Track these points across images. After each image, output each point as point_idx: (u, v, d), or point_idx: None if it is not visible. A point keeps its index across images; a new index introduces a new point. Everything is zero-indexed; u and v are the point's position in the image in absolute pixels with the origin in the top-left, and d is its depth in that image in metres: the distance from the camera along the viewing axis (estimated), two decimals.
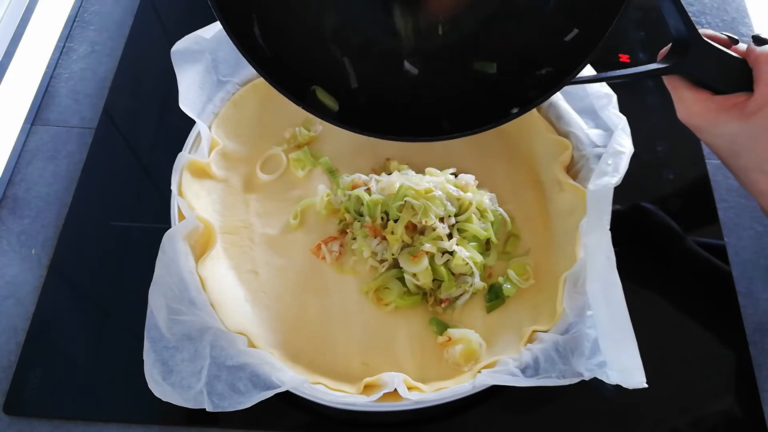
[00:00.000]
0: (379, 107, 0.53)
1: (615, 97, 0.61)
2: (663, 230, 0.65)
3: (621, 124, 0.59)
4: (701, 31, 0.50)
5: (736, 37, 0.52)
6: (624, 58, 0.76)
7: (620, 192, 0.53)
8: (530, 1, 0.52)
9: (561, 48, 0.50)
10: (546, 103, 0.65)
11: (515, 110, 0.50)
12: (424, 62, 0.54)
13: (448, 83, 0.54)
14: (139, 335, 0.50)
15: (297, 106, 0.69)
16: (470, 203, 0.59)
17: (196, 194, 0.61)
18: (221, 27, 0.64)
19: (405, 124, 0.52)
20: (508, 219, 0.61)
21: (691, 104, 0.52)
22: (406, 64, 0.54)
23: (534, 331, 0.54)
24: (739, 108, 0.50)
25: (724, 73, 0.51)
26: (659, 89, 0.74)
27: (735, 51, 0.51)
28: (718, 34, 0.52)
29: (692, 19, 0.50)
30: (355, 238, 0.60)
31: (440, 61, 0.54)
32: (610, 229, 0.50)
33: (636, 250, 0.62)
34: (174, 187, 0.58)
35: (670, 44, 0.52)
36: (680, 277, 0.62)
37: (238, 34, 0.47)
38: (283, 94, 0.50)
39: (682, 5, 0.49)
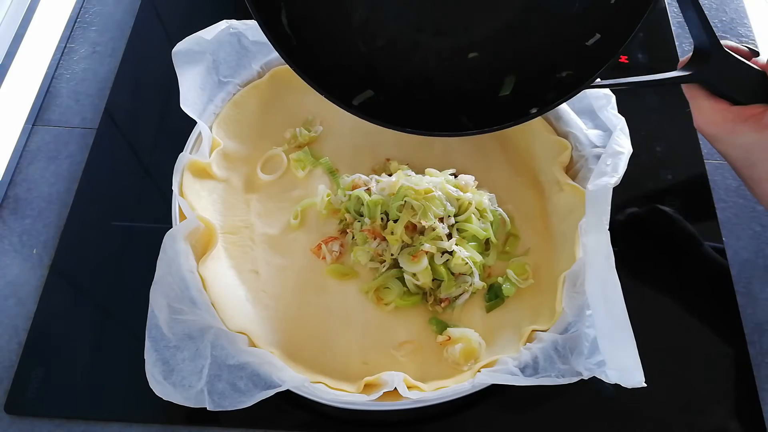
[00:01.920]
0: (399, 101, 0.54)
1: (614, 97, 0.62)
2: (662, 230, 0.65)
3: (620, 124, 0.59)
4: (723, 42, 0.51)
5: (758, 50, 0.53)
6: (622, 58, 0.77)
7: (619, 192, 0.54)
8: (555, 5, 0.52)
9: (582, 52, 0.50)
10: None
11: (534, 110, 0.51)
12: (446, 58, 0.55)
13: (469, 80, 0.55)
14: (140, 335, 0.50)
15: (297, 107, 0.70)
16: (470, 203, 0.59)
17: (197, 194, 0.61)
18: (222, 28, 0.66)
19: (424, 118, 0.52)
20: (507, 219, 0.62)
21: (708, 113, 0.52)
22: (429, 60, 0.54)
23: (533, 331, 0.54)
24: (755, 119, 0.51)
25: (743, 84, 0.51)
26: (658, 90, 0.75)
27: (755, 63, 0.52)
28: (739, 45, 0.53)
29: None
30: (354, 238, 0.61)
31: (463, 59, 0.55)
32: (610, 229, 0.51)
33: (635, 249, 0.62)
34: (175, 188, 0.59)
35: (690, 53, 0.53)
36: (679, 276, 0.62)
37: (266, 21, 0.48)
38: (308, 83, 0.50)
39: (705, 15, 0.50)
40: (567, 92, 0.50)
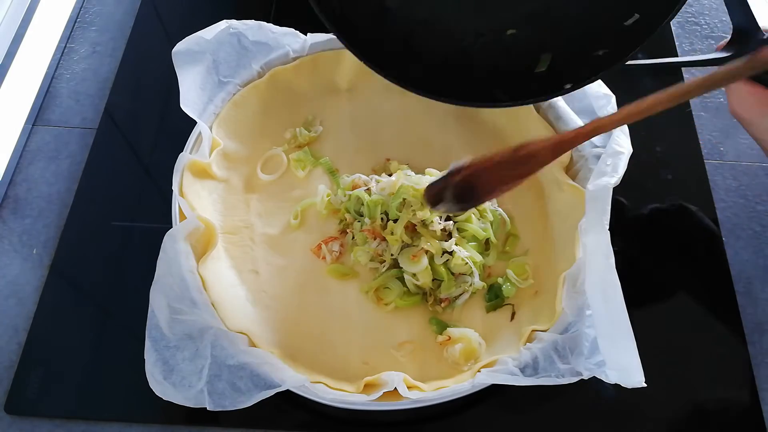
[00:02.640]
0: (437, 73, 0.55)
1: (614, 97, 0.61)
2: (662, 230, 0.65)
3: None
4: (762, 24, 0.50)
5: None
6: None
7: (619, 192, 0.54)
8: None
9: (620, 32, 0.51)
10: (545, 104, 0.65)
11: (569, 86, 0.52)
12: (485, 35, 0.55)
13: (506, 57, 0.55)
14: (140, 335, 0.50)
15: (297, 107, 0.70)
16: None
17: (197, 194, 0.61)
18: (222, 28, 0.66)
19: (459, 90, 0.53)
20: (507, 219, 0.62)
21: (744, 96, 0.52)
22: (468, 37, 0.55)
23: (533, 331, 0.54)
24: None
25: None
26: (658, 90, 0.75)
27: None
28: None
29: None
30: (354, 238, 0.61)
31: (501, 35, 0.55)
32: (610, 229, 0.51)
33: (635, 249, 0.62)
34: (175, 188, 0.59)
35: (729, 36, 0.53)
36: (679, 276, 0.62)
37: None
38: (352, 51, 0.52)
39: None
40: (599, 69, 0.51)
